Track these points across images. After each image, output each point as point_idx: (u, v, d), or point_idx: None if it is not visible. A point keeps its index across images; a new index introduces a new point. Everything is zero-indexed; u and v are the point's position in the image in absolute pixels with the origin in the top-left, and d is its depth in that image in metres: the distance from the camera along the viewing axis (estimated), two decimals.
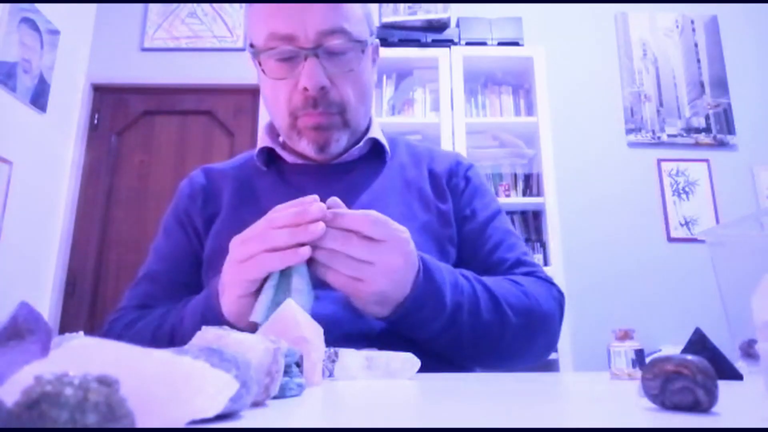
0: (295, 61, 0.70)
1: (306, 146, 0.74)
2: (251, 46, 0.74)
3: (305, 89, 0.69)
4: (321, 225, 0.51)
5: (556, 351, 2.22)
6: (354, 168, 0.78)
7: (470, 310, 0.61)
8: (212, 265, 0.73)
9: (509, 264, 0.73)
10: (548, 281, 0.73)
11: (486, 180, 0.85)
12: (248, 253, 0.52)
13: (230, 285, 0.54)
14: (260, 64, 0.72)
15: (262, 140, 0.81)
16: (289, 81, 0.71)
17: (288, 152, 0.79)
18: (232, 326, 0.56)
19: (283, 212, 0.53)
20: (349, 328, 0.63)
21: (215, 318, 0.58)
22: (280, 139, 0.84)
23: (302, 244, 0.51)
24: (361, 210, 0.54)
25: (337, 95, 0.71)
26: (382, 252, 0.54)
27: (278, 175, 0.79)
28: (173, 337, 0.64)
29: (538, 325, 0.67)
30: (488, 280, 0.66)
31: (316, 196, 0.54)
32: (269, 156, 0.81)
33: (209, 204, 0.79)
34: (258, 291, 0.54)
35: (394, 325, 0.60)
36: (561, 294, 0.73)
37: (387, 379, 0.48)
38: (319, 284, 0.55)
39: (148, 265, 0.79)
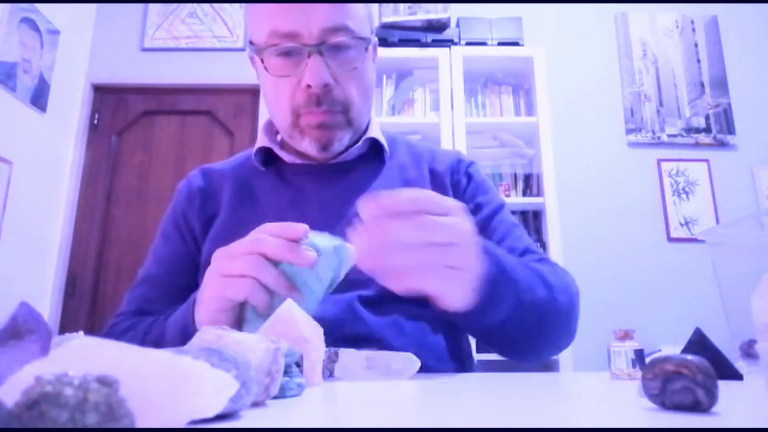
0: (298, 59, 0.69)
1: (308, 145, 0.73)
2: (251, 44, 0.73)
3: (309, 87, 0.68)
4: (313, 254, 0.48)
5: None
6: (353, 168, 0.78)
7: (528, 287, 0.57)
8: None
9: (518, 253, 0.73)
10: (556, 265, 0.72)
11: (488, 176, 0.85)
12: (231, 272, 0.50)
13: (208, 299, 0.52)
14: (262, 62, 0.71)
15: (260, 140, 0.81)
16: (292, 78, 0.70)
17: (286, 152, 0.79)
18: None
19: (271, 239, 0.49)
20: (349, 330, 0.63)
21: (190, 329, 0.56)
22: (279, 138, 0.84)
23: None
24: (398, 191, 0.46)
25: (340, 93, 0.71)
26: (456, 224, 0.47)
27: (277, 175, 0.79)
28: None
29: (574, 302, 0.66)
30: (521, 259, 0.64)
31: (305, 227, 0.50)
32: (267, 156, 0.81)
33: (207, 205, 0.79)
34: (234, 307, 0.51)
35: (466, 320, 0.54)
36: (572, 278, 0.72)
37: (387, 379, 0.48)
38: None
39: (146, 268, 0.79)
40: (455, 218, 0.47)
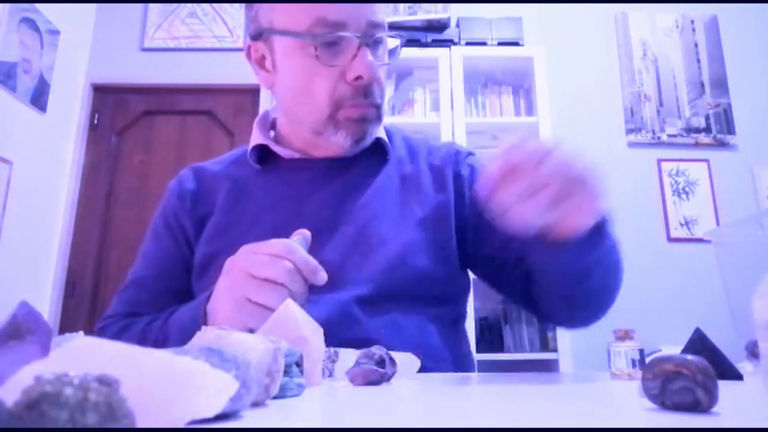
0: (341, 49, 0.68)
1: (342, 138, 0.71)
2: (274, 32, 0.71)
3: (358, 78, 0.68)
4: (324, 276, 0.51)
5: (555, 351, 2.23)
6: (352, 164, 0.77)
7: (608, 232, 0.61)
8: (204, 271, 0.71)
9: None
10: None
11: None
12: (269, 276, 0.50)
13: (234, 298, 0.52)
14: (300, 51, 0.69)
15: (255, 137, 0.79)
16: (334, 69, 0.68)
17: (282, 147, 0.78)
18: None
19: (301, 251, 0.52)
20: (346, 332, 0.63)
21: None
22: (272, 134, 0.83)
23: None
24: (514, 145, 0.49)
25: (378, 88, 0.71)
26: (560, 157, 0.52)
27: (272, 172, 0.78)
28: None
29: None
30: None
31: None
32: (262, 152, 0.79)
33: (199, 205, 0.77)
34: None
35: (565, 253, 0.58)
36: None
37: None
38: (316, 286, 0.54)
39: (135, 270, 0.77)
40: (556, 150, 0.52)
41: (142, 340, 0.65)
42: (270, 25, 0.72)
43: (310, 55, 0.68)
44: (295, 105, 0.74)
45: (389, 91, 2.59)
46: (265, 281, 0.50)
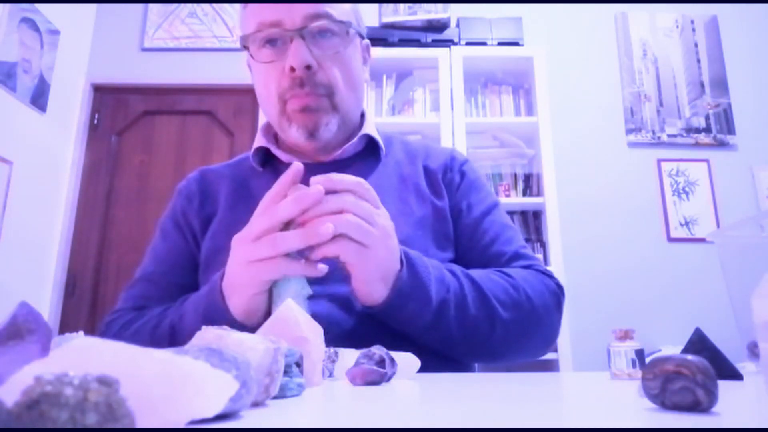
0: (283, 46, 0.72)
1: (296, 132, 0.74)
2: (241, 40, 0.76)
3: (292, 69, 0.70)
4: (331, 227, 0.52)
5: (555, 351, 2.22)
6: (349, 166, 0.78)
7: (457, 305, 0.61)
8: (209, 265, 0.73)
9: (507, 257, 0.73)
10: (546, 274, 0.73)
11: (482, 175, 0.86)
12: (260, 255, 0.53)
13: (243, 285, 0.55)
14: (251, 56, 0.74)
15: (258, 140, 0.82)
16: (277, 65, 0.72)
17: (283, 151, 0.80)
18: (235, 325, 0.56)
19: (283, 204, 0.53)
20: (345, 327, 0.63)
21: (219, 316, 0.58)
22: (276, 138, 0.84)
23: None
24: (352, 177, 0.55)
25: (324, 77, 0.72)
26: (380, 216, 0.56)
27: (273, 175, 0.79)
28: (173, 337, 0.64)
29: (531, 319, 0.66)
30: (476, 273, 0.66)
31: (300, 186, 0.55)
32: (265, 156, 0.82)
33: (206, 205, 0.80)
34: (269, 287, 0.55)
35: (383, 318, 0.60)
36: (560, 287, 0.72)
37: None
38: (315, 281, 0.56)
39: (144, 266, 0.79)
40: (382, 212, 0.57)
41: (157, 325, 0.66)
42: (240, 33, 0.77)
43: (258, 55, 0.73)
44: (262, 105, 0.79)
45: (389, 91, 2.59)
46: (259, 262, 0.53)
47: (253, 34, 0.72)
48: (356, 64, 0.77)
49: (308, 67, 0.70)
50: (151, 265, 0.78)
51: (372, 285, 0.57)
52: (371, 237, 0.54)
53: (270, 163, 0.82)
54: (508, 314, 0.64)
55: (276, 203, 0.54)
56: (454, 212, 0.77)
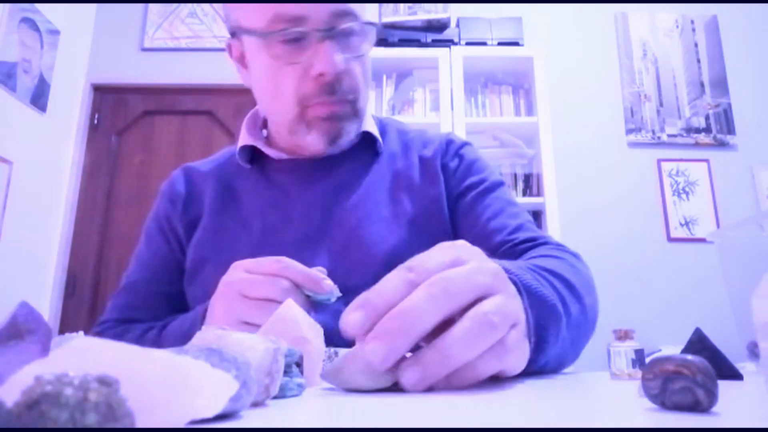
0: (304, 45, 0.64)
1: (315, 139, 0.68)
2: (242, 30, 0.68)
3: (320, 75, 0.64)
4: (331, 284, 0.48)
5: None
6: (342, 162, 0.74)
7: (565, 308, 0.48)
8: (193, 276, 0.71)
9: (510, 229, 0.68)
10: (562, 248, 0.66)
11: (483, 157, 0.82)
12: (259, 295, 0.48)
13: (224, 320, 0.50)
14: (264, 50, 0.66)
15: (243, 137, 0.76)
16: (297, 67, 0.65)
17: (271, 147, 0.76)
18: None
19: (298, 265, 0.49)
20: (342, 337, 0.62)
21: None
22: (264, 133, 0.81)
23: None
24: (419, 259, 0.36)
25: (350, 82, 0.67)
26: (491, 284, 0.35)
27: (260, 174, 0.76)
28: None
29: (596, 297, 0.61)
30: (546, 263, 0.54)
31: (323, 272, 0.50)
32: (252, 153, 0.77)
33: (190, 208, 0.76)
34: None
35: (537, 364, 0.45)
36: (578, 255, 0.66)
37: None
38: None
39: (129, 273, 0.76)
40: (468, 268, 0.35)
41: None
42: (237, 23, 0.69)
43: (273, 53, 0.65)
44: (266, 104, 0.73)
45: (389, 91, 2.59)
46: (261, 301, 0.48)
47: (269, 28, 0.63)
48: (370, 62, 0.73)
49: (339, 73, 0.64)
50: (136, 272, 0.75)
51: (522, 360, 0.38)
52: (497, 329, 0.33)
53: (257, 160, 0.77)
54: (590, 298, 0.56)
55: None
56: (453, 195, 0.73)
